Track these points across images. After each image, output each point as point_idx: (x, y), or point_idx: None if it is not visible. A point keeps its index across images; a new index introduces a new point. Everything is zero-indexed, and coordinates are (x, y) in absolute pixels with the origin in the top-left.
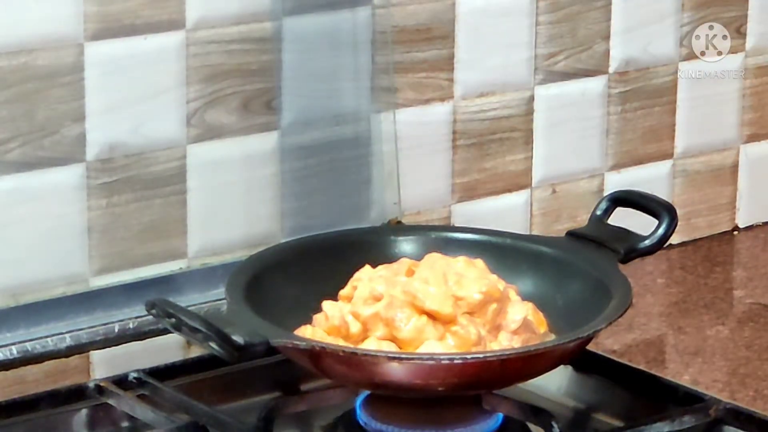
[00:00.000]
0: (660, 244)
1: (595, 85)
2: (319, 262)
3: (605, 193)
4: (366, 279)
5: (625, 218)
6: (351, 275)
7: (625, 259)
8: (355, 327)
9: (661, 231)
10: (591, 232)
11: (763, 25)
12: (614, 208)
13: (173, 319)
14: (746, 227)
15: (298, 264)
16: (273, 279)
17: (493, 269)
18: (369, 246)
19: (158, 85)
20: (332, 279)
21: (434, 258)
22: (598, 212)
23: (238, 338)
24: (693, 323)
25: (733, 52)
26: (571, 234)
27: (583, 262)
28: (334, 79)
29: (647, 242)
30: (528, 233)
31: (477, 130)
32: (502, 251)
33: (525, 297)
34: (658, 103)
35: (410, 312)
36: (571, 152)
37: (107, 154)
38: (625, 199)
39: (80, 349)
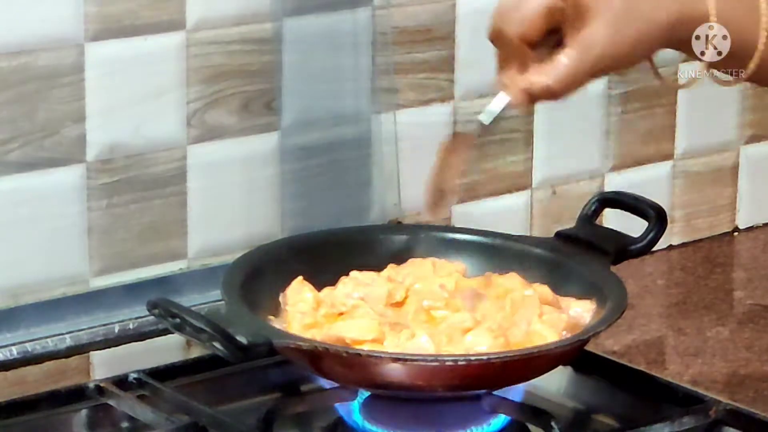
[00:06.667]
0: (650, 245)
1: (596, 85)
2: (316, 259)
3: None
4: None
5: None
6: (346, 273)
7: (616, 261)
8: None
9: (651, 233)
10: (581, 233)
11: None
12: (602, 209)
13: (177, 320)
14: (746, 228)
15: (295, 261)
16: (268, 277)
17: (491, 270)
18: (365, 244)
19: (159, 86)
20: (329, 277)
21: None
22: (587, 213)
23: (241, 338)
24: (693, 324)
25: None
26: (561, 235)
27: (575, 263)
28: (335, 80)
29: (638, 244)
30: (528, 234)
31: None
32: (499, 252)
33: None
34: (659, 104)
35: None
36: (571, 153)
37: (107, 154)
38: (613, 200)
39: (80, 349)
